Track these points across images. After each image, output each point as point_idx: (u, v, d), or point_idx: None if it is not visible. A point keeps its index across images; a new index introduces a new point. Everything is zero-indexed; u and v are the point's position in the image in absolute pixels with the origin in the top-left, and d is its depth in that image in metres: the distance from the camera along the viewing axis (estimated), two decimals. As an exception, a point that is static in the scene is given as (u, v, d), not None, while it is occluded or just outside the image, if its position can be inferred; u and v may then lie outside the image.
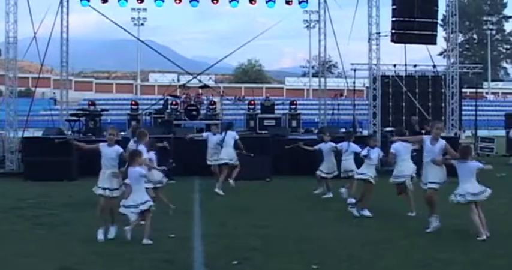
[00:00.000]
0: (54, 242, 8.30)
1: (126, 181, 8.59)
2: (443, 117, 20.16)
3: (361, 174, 10.59)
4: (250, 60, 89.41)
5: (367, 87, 21.08)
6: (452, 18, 20.17)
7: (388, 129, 19.89)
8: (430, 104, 22.84)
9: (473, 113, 28.72)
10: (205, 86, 26.47)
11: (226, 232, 8.94)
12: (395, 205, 10.83)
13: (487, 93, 77.41)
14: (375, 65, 18.89)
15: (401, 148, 10.29)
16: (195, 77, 27.18)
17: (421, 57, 26.16)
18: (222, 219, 9.97)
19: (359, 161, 11.43)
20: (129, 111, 24.65)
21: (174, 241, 8.27)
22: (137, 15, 67.55)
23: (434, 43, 20.02)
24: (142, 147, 9.69)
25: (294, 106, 25.29)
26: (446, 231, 8.76)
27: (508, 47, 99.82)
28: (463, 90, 26.86)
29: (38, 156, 15.92)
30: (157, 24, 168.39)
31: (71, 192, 13.27)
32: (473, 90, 41.16)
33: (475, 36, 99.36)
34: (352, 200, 11.06)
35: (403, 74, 23.44)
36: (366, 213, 10.14)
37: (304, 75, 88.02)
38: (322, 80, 24.31)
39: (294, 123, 24.49)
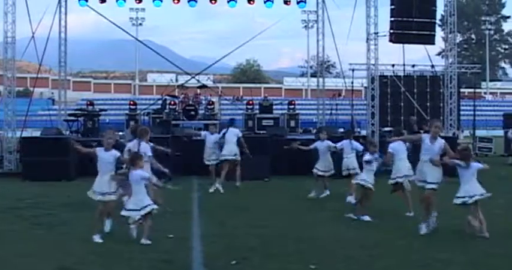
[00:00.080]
0: (52, 242, 8.29)
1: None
2: (441, 117, 20.20)
3: (362, 180, 10.47)
4: (248, 60, 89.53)
5: (365, 87, 21.05)
6: (451, 18, 20.20)
7: (386, 129, 19.92)
8: (428, 104, 22.92)
9: (472, 113, 28.67)
10: (203, 86, 26.51)
11: (225, 232, 8.93)
12: (393, 205, 10.82)
13: (485, 93, 77.35)
14: (373, 65, 18.86)
15: (399, 148, 10.39)
16: (194, 77, 27.15)
17: (419, 57, 26.24)
18: (220, 219, 9.97)
19: (359, 161, 11.43)
20: (127, 111, 24.69)
21: (173, 241, 8.27)
22: (135, 15, 67.47)
23: (433, 43, 20.03)
24: (144, 145, 9.68)
25: (292, 106, 25.30)
26: (446, 231, 8.77)
27: (506, 47, 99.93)
28: (461, 90, 26.87)
29: (36, 156, 15.90)
30: (156, 24, 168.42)
31: (69, 192, 13.22)
32: (472, 90, 41.09)
33: (473, 36, 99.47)
34: (353, 201, 11.07)
35: (402, 74, 23.51)
36: (366, 218, 10.02)
37: (302, 75, 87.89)
38: (321, 80, 24.29)
39: (292, 123, 24.51)
